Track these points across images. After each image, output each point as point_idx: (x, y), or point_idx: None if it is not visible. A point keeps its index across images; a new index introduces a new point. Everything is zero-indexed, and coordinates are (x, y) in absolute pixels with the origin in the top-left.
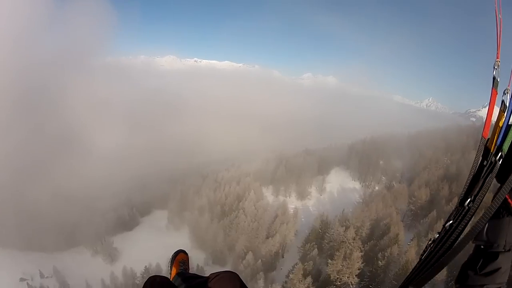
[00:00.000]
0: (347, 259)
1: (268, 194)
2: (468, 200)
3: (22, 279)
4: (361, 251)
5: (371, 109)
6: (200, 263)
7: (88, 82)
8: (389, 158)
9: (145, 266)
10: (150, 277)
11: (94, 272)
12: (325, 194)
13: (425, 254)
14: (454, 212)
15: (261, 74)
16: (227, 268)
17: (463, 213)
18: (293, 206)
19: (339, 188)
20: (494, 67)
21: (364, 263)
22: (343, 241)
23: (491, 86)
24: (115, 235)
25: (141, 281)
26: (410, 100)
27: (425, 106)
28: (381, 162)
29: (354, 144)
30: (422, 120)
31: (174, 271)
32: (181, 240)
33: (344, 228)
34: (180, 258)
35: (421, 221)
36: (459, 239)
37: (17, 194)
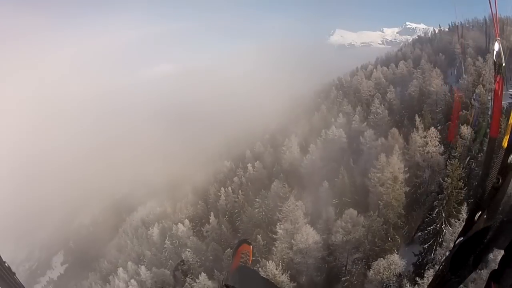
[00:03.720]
0: None
1: None
2: (479, 213)
3: None
4: None
5: None
6: None
7: None
8: None
9: None
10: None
11: None
12: None
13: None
14: (465, 227)
15: None
16: None
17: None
18: None
19: None
20: (493, 49)
21: None
22: None
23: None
24: None
25: None
26: None
27: None
28: None
29: None
30: None
31: (235, 263)
32: None
33: None
34: (242, 249)
35: None
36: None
37: None
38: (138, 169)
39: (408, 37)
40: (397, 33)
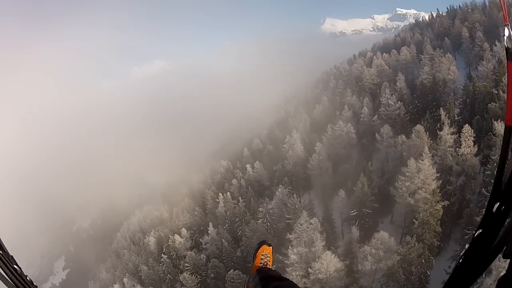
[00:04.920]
0: None
1: None
2: (497, 204)
3: None
4: None
5: None
6: None
7: None
8: None
9: None
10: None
11: None
12: None
13: (456, 268)
14: (483, 219)
15: None
16: None
17: (493, 220)
18: None
19: None
20: (503, 35)
21: None
22: None
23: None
24: None
25: None
26: None
27: None
28: None
29: None
30: None
31: (255, 265)
32: None
33: None
34: (262, 250)
35: None
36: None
37: None
38: (133, 171)
39: (399, 23)
40: (387, 19)
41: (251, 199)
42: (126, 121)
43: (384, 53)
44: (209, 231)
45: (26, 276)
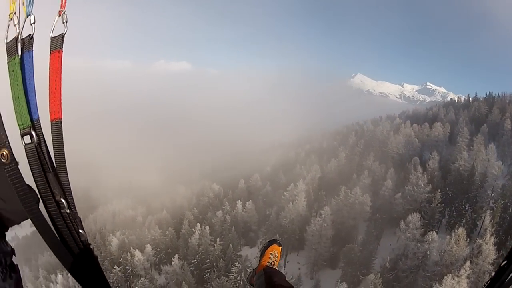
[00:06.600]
0: None
1: None
2: None
3: None
4: None
5: None
6: None
7: None
8: None
9: None
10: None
11: None
12: None
13: None
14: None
15: None
16: None
17: None
18: None
19: None
20: None
21: None
22: None
23: None
24: None
25: None
26: None
27: None
28: None
29: None
30: None
31: (262, 262)
32: None
33: None
34: (272, 249)
35: None
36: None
37: None
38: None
39: (426, 97)
40: (416, 90)
41: (231, 245)
42: (129, 108)
43: (414, 124)
44: (172, 263)
45: (90, 244)
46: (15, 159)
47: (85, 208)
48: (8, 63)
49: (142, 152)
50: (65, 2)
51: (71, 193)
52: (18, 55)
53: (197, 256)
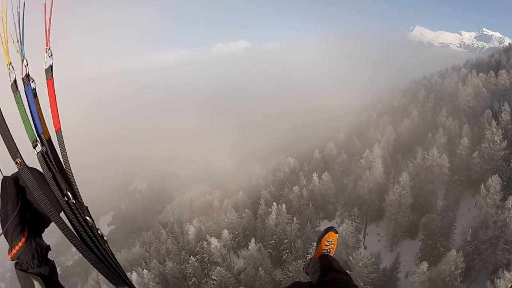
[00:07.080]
0: None
1: None
2: None
3: None
4: None
5: None
6: None
7: None
8: None
9: None
10: (295, 283)
11: None
12: None
13: None
14: None
15: None
16: None
17: None
18: None
19: None
20: None
21: None
22: None
23: None
24: None
25: None
26: None
27: None
28: None
29: None
30: None
31: (318, 250)
32: None
33: None
34: (328, 237)
35: None
36: None
37: None
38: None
39: (485, 43)
40: (474, 37)
41: (308, 222)
42: (194, 95)
43: (480, 73)
44: (249, 247)
45: (97, 229)
46: (26, 165)
47: (163, 199)
48: (14, 97)
49: (213, 137)
50: (48, 40)
51: (76, 187)
52: (19, 93)
53: (274, 237)
